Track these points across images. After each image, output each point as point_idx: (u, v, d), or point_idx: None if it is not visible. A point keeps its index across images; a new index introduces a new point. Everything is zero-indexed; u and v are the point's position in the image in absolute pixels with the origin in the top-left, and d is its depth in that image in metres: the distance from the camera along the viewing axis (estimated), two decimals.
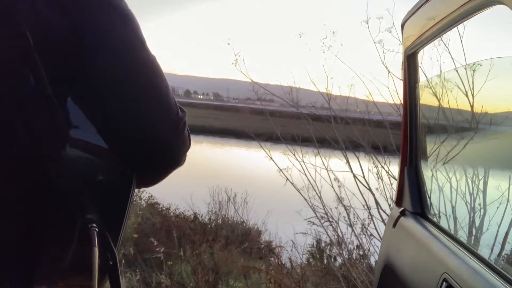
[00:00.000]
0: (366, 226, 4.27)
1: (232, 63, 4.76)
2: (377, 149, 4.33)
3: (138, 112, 0.83)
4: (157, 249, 4.18)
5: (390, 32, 3.73)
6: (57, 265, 0.84)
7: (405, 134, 1.78)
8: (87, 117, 0.83)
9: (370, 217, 4.16)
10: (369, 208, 4.13)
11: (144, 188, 7.64)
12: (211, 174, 11.71)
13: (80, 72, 0.80)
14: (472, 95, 1.56)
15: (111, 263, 0.84)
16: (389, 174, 4.05)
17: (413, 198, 1.70)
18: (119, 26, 0.84)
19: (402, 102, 1.86)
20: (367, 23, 4.05)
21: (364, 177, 4.19)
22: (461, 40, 2.23)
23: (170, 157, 0.90)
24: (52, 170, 0.79)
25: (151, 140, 0.85)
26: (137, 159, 0.87)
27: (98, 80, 0.81)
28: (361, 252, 4.67)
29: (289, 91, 4.88)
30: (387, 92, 4.11)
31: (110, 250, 0.84)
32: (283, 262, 5.40)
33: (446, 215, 1.65)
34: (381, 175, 4.08)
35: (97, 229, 0.80)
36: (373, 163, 4.17)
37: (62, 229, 0.82)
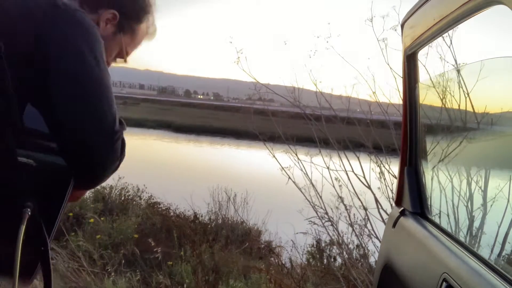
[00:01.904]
0: (366, 226, 4.26)
1: (234, 61, 4.74)
2: (379, 149, 4.33)
3: (78, 119, 0.99)
4: (155, 249, 4.18)
5: (396, 30, 3.72)
6: None
7: (405, 134, 1.78)
8: (42, 118, 0.98)
9: (367, 217, 4.16)
10: (365, 209, 4.13)
11: (144, 188, 7.65)
12: (211, 174, 11.71)
13: (37, 76, 0.96)
14: (472, 95, 1.56)
15: (42, 248, 0.97)
16: (390, 173, 4.05)
17: (413, 198, 1.70)
18: (79, 40, 0.99)
19: (402, 102, 1.86)
20: (371, 21, 4.03)
21: (364, 176, 4.19)
22: (461, 40, 2.23)
23: (100, 162, 1.04)
24: (1, 157, 0.92)
25: (85, 145, 1.00)
26: (74, 160, 1.01)
27: (50, 86, 0.96)
28: (361, 252, 4.67)
29: (292, 91, 4.88)
30: (388, 92, 4.12)
31: (42, 237, 0.96)
32: (283, 262, 5.40)
33: (446, 215, 1.65)
34: (383, 174, 4.08)
35: (29, 213, 0.93)
36: (376, 162, 4.17)
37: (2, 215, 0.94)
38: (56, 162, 0.99)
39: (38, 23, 0.95)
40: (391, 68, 3.97)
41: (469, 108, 1.62)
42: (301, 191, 4.44)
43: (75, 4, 1.06)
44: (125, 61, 1.27)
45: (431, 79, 1.89)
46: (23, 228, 0.91)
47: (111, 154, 1.03)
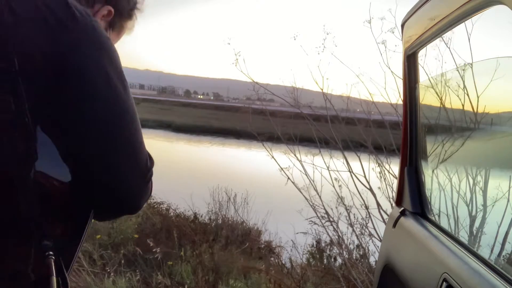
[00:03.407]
0: (367, 226, 4.26)
1: (232, 63, 4.76)
2: (379, 149, 4.33)
3: (111, 162, 0.86)
4: (154, 249, 4.18)
5: (393, 32, 3.73)
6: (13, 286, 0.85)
7: (405, 134, 1.78)
8: (62, 155, 0.85)
9: (368, 216, 4.16)
10: (367, 208, 4.13)
11: None
12: (211, 174, 11.71)
13: (61, 109, 0.82)
14: (472, 95, 1.56)
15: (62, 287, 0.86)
16: (390, 173, 4.05)
17: (413, 198, 1.70)
18: (104, 60, 0.85)
19: (402, 102, 1.86)
20: (370, 23, 4.04)
21: (365, 176, 4.19)
22: (461, 40, 2.23)
23: (131, 204, 0.93)
24: (16, 194, 0.81)
25: (120, 187, 0.88)
26: (102, 202, 0.90)
27: (79, 121, 0.83)
28: (361, 252, 4.67)
29: (291, 91, 4.89)
30: (389, 92, 4.12)
31: (62, 276, 0.86)
32: (283, 262, 5.40)
33: (446, 215, 1.65)
34: (383, 174, 4.08)
35: (53, 258, 0.83)
36: (376, 162, 4.17)
37: (19, 253, 0.84)
38: (75, 199, 0.88)
39: (59, 40, 0.82)
40: (390, 71, 3.97)
41: (469, 108, 1.62)
42: (301, 192, 4.44)
43: (87, 10, 0.92)
44: None
45: (431, 79, 1.89)
46: (54, 280, 0.82)
47: (145, 195, 0.93)
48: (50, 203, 0.86)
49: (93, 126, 0.84)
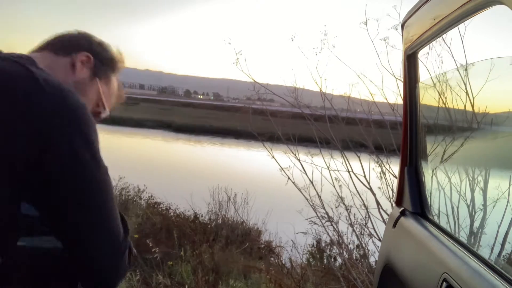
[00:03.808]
0: (367, 226, 4.26)
1: (233, 63, 4.74)
2: (380, 149, 4.33)
3: (83, 232, 0.88)
4: (153, 250, 4.18)
5: (397, 29, 3.72)
6: None
7: (405, 134, 1.78)
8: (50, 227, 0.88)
9: (368, 216, 4.16)
10: (367, 208, 4.13)
11: (144, 188, 7.65)
12: (211, 174, 11.71)
13: (37, 187, 0.84)
14: (472, 95, 1.56)
15: None
16: (390, 173, 4.05)
17: (413, 198, 1.70)
18: (76, 145, 0.86)
19: (402, 102, 1.86)
20: (366, 24, 4.05)
21: (365, 176, 4.19)
22: (461, 40, 2.23)
23: (106, 278, 0.94)
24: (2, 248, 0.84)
25: (92, 261, 0.90)
26: (79, 274, 0.93)
27: (52, 199, 0.86)
28: (361, 252, 4.67)
29: (292, 91, 4.88)
30: (388, 91, 4.12)
31: None
32: (283, 262, 5.40)
33: (446, 215, 1.65)
34: (383, 174, 4.08)
35: None
36: (376, 162, 4.17)
37: None
38: (59, 272, 0.93)
39: (26, 116, 0.82)
40: (390, 72, 3.97)
41: (469, 108, 1.62)
42: (301, 192, 4.44)
43: (56, 81, 0.91)
44: (102, 114, 1.15)
45: (431, 79, 1.89)
46: None
47: (119, 270, 0.94)
48: (34, 271, 0.90)
49: (64, 204, 0.87)
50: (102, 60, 1.14)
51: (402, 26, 1.78)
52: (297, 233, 5.24)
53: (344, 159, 4.36)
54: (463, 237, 1.57)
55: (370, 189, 4.12)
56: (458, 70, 1.87)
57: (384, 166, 4.10)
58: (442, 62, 2.50)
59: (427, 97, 1.80)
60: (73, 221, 0.87)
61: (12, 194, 0.83)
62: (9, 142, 0.81)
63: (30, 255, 0.90)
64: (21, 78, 0.86)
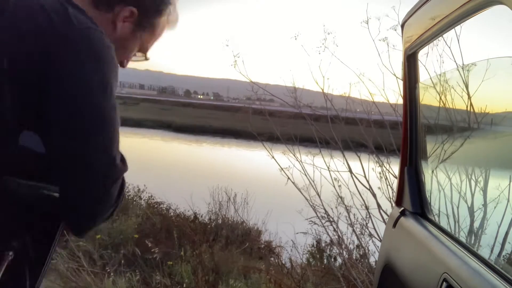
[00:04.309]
0: (367, 226, 4.26)
1: (231, 65, 4.75)
2: (380, 149, 4.33)
3: (68, 155, 0.87)
4: (152, 250, 4.18)
5: (395, 30, 3.72)
6: None
7: (405, 134, 1.78)
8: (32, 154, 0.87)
9: (368, 216, 4.16)
10: (367, 208, 4.13)
11: (144, 188, 7.65)
12: (211, 174, 11.71)
13: (37, 105, 0.85)
14: (472, 95, 1.56)
15: None
16: (390, 173, 4.05)
17: (413, 198, 1.70)
18: (88, 74, 0.87)
19: (402, 102, 1.86)
20: (367, 23, 4.05)
21: (365, 176, 4.19)
22: (461, 40, 2.23)
23: (87, 209, 0.92)
24: None
25: (73, 187, 0.89)
26: (61, 203, 0.90)
27: (48, 118, 0.86)
28: (361, 252, 4.67)
29: (292, 91, 4.88)
30: (389, 91, 4.12)
31: (21, 282, 0.88)
32: (283, 262, 5.40)
33: (446, 215, 1.65)
34: (384, 174, 4.08)
35: (11, 256, 0.84)
36: (376, 162, 4.17)
37: None
38: (47, 197, 0.90)
39: (47, 43, 0.85)
40: (390, 71, 3.97)
41: (469, 108, 1.62)
42: (301, 192, 4.44)
43: (88, 21, 0.93)
44: (146, 58, 1.15)
45: (431, 79, 1.89)
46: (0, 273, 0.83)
47: (104, 199, 0.92)
48: (25, 201, 0.88)
49: (60, 124, 0.86)
50: (148, 10, 1.08)
51: (402, 26, 1.78)
52: (297, 233, 5.24)
53: (344, 159, 4.36)
54: (463, 237, 1.57)
55: (370, 189, 4.12)
56: (458, 70, 1.87)
57: (384, 166, 4.10)
58: (442, 62, 2.50)
59: (427, 97, 1.80)
60: (60, 141, 0.87)
61: (14, 113, 0.83)
62: (23, 62, 0.83)
63: (20, 206, 0.88)
64: (55, 12, 0.88)
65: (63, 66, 0.85)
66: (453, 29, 1.44)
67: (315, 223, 4.77)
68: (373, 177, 4.20)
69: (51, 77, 0.84)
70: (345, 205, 4.33)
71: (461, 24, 1.38)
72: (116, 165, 0.92)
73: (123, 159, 0.95)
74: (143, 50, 1.14)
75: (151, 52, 1.19)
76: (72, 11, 0.89)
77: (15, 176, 0.87)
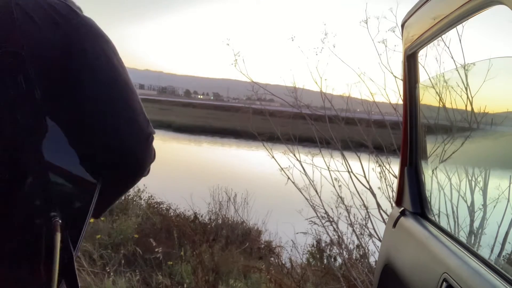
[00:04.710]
0: (367, 226, 4.26)
1: (231, 64, 4.75)
2: (380, 149, 4.33)
3: (114, 124, 0.95)
4: (156, 249, 4.18)
5: (394, 31, 3.73)
6: (19, 256, 0.90)
7: (405, 134, 1.78)
8: (65, 127, 0.93)
9: (368, 216, 4.16)
10: (366, 208, 4.13)
11: (144, 188, 7.65)
12: (211, 174, 11.71)
13: (66, 83, 0.91)
14: (472, 95, 1.56)
15: (66, 260, 0.91)
16: (390, 173, 4.05)
17: (413, 198, 1.70)
18: (104, 46, 0.97)
19: (402, 102, 1.86)
20: (366, 23, 4.05)
21: (365, 176, 4.19)
22: (461, 40, 2.23)
23: (136, 166, 1.00)
24: (26, 166, 0.89)
25: (123, 149, 0.97)
26: (107, 167, 0.97)
27: (83, 100, 0.93)
28: (361, 252, 4.67)
29: (292, 91, 4.88)
30: (389, 91, 4.12)
31: (67, 249, 0.91)
32: (283, 262, 5.40)
33: (446, 215, 1.65)
34: (384, 174, 4.08)
35: (60, 221, 0.89)
36: (376, 162, 4.17)
37: (26, 222, 0.89)
38: (80, 170, 0.95)
39: (63, 31, 0.92)
40: (390, 71, 3.97)
41: (469, 108, 1.62)
42: (301, 192, 4.44)
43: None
44: None
45: (431, 79, 1.89)
46: (59, 236, 0.87)
47: (148, 157, 1.01)
48: (57, 175, 0.92)
49: (95, 93, 0.94)
50: None
51: (402, 26, 1.78)
52: (297, 233, 5.25)
53: (344, 159, 4.36)
54: (463, 237, 1.57)
55: (370, 189, 4.12)
56: (458, 70, 1.87)
57: (384, 166, 4.10)
58: (443, 62, 2.50)
59: (427, 97, 1.80)
60: (104, 110, 0.94)
61: (37, 98, 0.88)
62: (44, 46, 0.89)
63: (55, 180, 0.91)
64: (58, 4, 0.95)
65: (87, 50, 0.94)
66: (453, 29, 1.44)
67: (315, 223, 4.77)
68: (373, 177, 4.20)
69: (78, 61, 0.92)
70: (345, 205, 4.33)
71: (461, 24, 1.38)
72: (149, 123, 1.02)
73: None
74: None
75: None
76: (70, 2, 0.99)
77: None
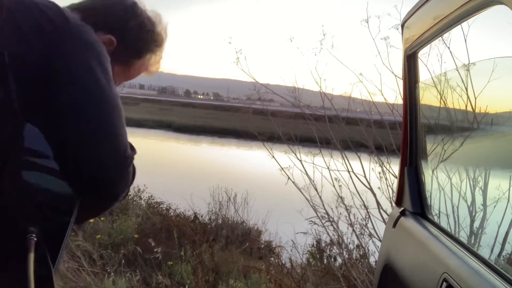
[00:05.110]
0: (367, 226, 4.26)
1: (234, 62, 4.74)
2: (380, 149, 4.33)
3: (88, 145, 0.89)
4: (155, 249, 4.17)
5: (397, 29, 3.72)
6: None
7: (405, 134, 1.78)
8: (46, 140, 0.88)
9: (368, 216, 4.16)
10: (367, 208, 4.13)
11: (144, 188, 7.65)
12: (211, 174, 11.71)
13: (44, 95, 0.87)
14: (472, 95, 1.56)
15: (44, 276, 0.88)
16: (390, 173, 4.05)
17: (413, 198, 1.70)
18: (89, 56, 0.92)
19: (402, 102, 1.86)
20: (367, 22, 4.05)
21: (365, 176, 4.19)
22: (461, 40, 2.23)
23: (111, 189, 0.94)
24: (4, 178, 0.84)
25: (97, 171, 0.91)
26: (82, 187, 0.91)
27: (58, 106, 0.88)
28: (361, 252, 4.67)
29: (292, 90, 4.89)
30: (389, 91, 4.12)
31: (46, 265, 0.88)
32: (283, 262, 5.40)
33: (446, 215, 1.65)
34: (384, 174, 4.08)
35: (35, 239, 0.85)
36: (376, 162, 4.17)
37: (2, 237, 0.86)
38: (60, 186, 0.90)
39: (48, 37, 0.88)
40: (391, 71, 3.97)
41: (469, 108, 1.62)
42: (301, 191, 4.44)
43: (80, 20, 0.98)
44: None
45: (431, 79, 1.89)
46: (32, 256, 0.84)
47: (124, 181, 0.94)
48: (37, 190, 0.88)
49: (72, 111, 0.88)
50: (127, 46, 1.10)
51: (402, 26, 1.78)
52: (297, 233, 5.25)
53: (344, 159, 4.36)
54: (463, 237, 1.57)
55: (370, 189, 4.12)
56: (458, 70, 1.87)
57: (384, 166, 4.10)
58: (443, 62, 2.50)
59: (427, 97, 1.80)
60: (77, 132, 0.89)
61: (17, 105, 0.84)
62: (26, 55, 0.86)
63: (33, 194, 0.88)
64: (50, 9, 0.92)
65: (68, 57, 0.89)
66: (453, 29, 1.43)
67: (315, 223, 4.77)
68: (373, 177, 4.20)
69: (57, 68, 0.88)
70: (345, 205, 4.33)
71: (461, 24, 1.38)
72: (129, 146, 0.95)
73: (131, 145, 0.99)
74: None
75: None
76: (66, 10, 0.95)
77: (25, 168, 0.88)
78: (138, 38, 1.11)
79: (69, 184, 0.91)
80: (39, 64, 0.87)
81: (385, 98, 4.20)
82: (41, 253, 0.87)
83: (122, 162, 0.93)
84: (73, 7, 1.07)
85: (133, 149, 0.98)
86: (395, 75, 3.92)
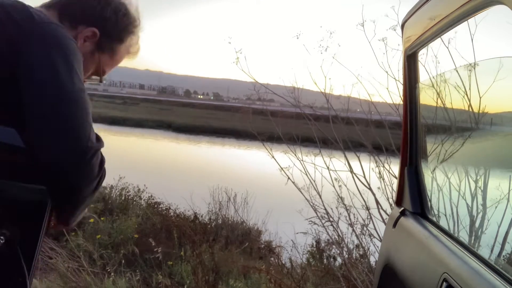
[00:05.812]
0: (366, 226, 4.26)
1: (233, 62, 4.73)
2: (379, 149, 4.33)
3: (45, 136, 0.92)
4: (155, 249, 4.18)
5: (395, 30, 3.72)
6: None
7: (405, 134, 1.78)
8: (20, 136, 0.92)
9: (369, 217, 4.16)
10: (368, 208, 4.13)
11: (144, 188, 7.65)
12: (211, 174, 11.71)
13: (9, 90, 0.91)
14: (472, 95, 1.56)
15: (20, 279, 0.89)
16: (390, 173, 4.05)
17: (413, 198, 1.70)
18: (52, 52, 0.94)
19: (402, 102, 1.86)
20: (363, 26, 4.05)
21: (365, 176, 4.19)
22: (461, 40, 2.23)
23: (73, 183, 0.96)
24: None
25: (55, 165, 0.93)
26: (48, 183, 0.94)
27: (21, 105, 0.91)
28: (361, 252, 4.67)
29: (291, 90, 4.88)
30: (388, 92, 4.12)
31: (19, 267, 0.89)
32: (283, 262, 5.40)
33: (446, 215, 1.65)
34: (383, 174, 4.08)
35: (2, 241, 0.86)
36: (375, 162, 4.17)
37: None
38: (32, 186, 0.93)
39: (11, 34, 0.91)
40: (388, 72, 3.97)
41: (469, 108, 1.62)
42: (301, 191, 4.44)
43: (52, 18, 1.02)
44: (101, 80, 1.20)
45: (431, 79, 1.89)
46: None
47: (86, 174, 0.95)
48: (8, 191, 0.91)
49: (31, 107, 0.91)
50: (110, 34, 1.14)
51: (402, 26, 1.78)
52: (297, 233, 5.24)
53: (345, 159, 4.36)
54: (463, 237, 1.57)
55: (370, 189, 4.12)
56: (457, 70, 1.87)
57: (384, 166, 4.10)
58: (442, 62, 2.50)
59: (427, 97, 1.80)
60: (35, 124, 0.91)
61: None
62: None
63: (4, 196, 0.90)
64: (15, 9, 0.95)
65: (30, 56, 0.92)
66: (453, 29, 1.43)
67: (315, 223, 4.77)
68: (373, 177, 4.20)
69: (21, 68, 0.91)
70: (345, 205, 4.33)
71: (461, 24, 1.38)
72: (91, 140, 0.96)
73: (98, 137, 1.00)
74: (99, 73, 1.19)
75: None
76: (34, 10, 0.97)
77: None
78: (117, 24, 1.15)
79: (39, 181, 0.92)
80: (5, 67, 0.90)
81: (384, 99, 4.20)
82: (16, 257, 0.88)
83: (81, 153, 0.94)
84: (48, 5, 1.09)
85: (99, 140, 1.00)
86: (393, 78, 3.92)
